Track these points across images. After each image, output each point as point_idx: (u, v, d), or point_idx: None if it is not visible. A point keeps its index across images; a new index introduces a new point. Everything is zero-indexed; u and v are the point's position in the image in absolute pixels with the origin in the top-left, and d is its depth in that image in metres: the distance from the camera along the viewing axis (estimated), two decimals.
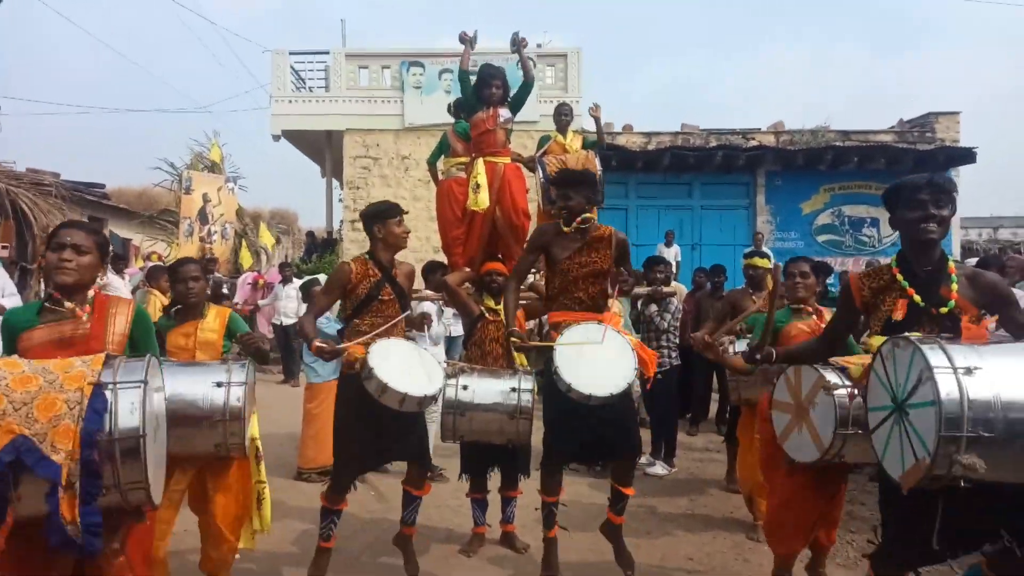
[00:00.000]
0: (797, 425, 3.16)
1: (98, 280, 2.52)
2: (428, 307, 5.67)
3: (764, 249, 11.59)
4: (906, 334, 2.21)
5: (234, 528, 3.33)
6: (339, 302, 3.67)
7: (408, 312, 3.75)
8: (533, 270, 6.91)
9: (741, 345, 4.51)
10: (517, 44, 4.87)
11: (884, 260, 12.93)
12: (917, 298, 2.35)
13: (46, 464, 1.85)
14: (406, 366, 3.30)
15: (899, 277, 2.41)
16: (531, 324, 4.61)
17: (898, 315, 2.36)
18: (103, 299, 2.47)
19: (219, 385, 3.03)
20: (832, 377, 2.97)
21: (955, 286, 2.35)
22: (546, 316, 3.70)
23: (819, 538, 3.46)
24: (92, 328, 2.37)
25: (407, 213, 3.66)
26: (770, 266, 5.48)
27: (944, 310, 2.33)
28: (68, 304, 2.37)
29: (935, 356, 2.01)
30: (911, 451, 2.07)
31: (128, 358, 2.18)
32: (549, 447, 3.51)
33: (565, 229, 3.50)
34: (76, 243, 2.37)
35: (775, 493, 3.50)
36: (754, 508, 4.57)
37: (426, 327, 3.89)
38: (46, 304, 2.41)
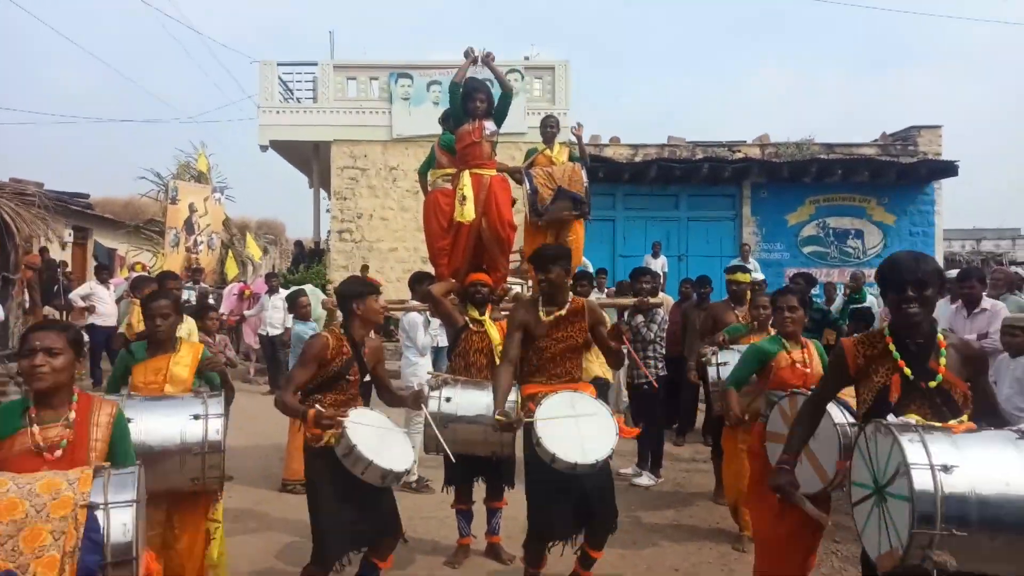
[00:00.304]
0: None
1: (76, 379, 2.47)
2: (415, 317, 5.67)
3: (751, 261, 11.71)
4: (890, 420, 2.23)
5: (199, 571, 3.27)
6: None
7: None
8: (521, 280, 6.95)
9: (724, 356, 4.52)
10: (485, 60, 4.90)
11: (868, 271, 12.99)
12: (907, 371, 2.36)
13: None
14: (379, 438, 3.17)
15: (892, 348, 2.42)
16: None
17: (894, 396, 2.37)
18: (86, 402, 2.41)
19: (196, 418, 2.99)
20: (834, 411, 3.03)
21: (944, 360, 2.36)
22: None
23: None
24: (76, 436, 2.31)
25: (379, 286, 3.61)
26: (751, 280, 5.53)
27: (933, 384, 2.35)
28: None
29: (913, 451, 2.03)
30: (887, 537, 2.11)
31: (115, 471, 2.14)
32: (532, 529, 3.49)
33: (548, 316, 3.49)
34: (47, 346, 2.29)
35: (766, 544, 3.47)
36: (739, 518, 4.58)
37: (423, 405, 3.63)
38: (30, 407, 2.34)
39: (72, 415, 2.34)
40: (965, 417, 2.31)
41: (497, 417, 3.26)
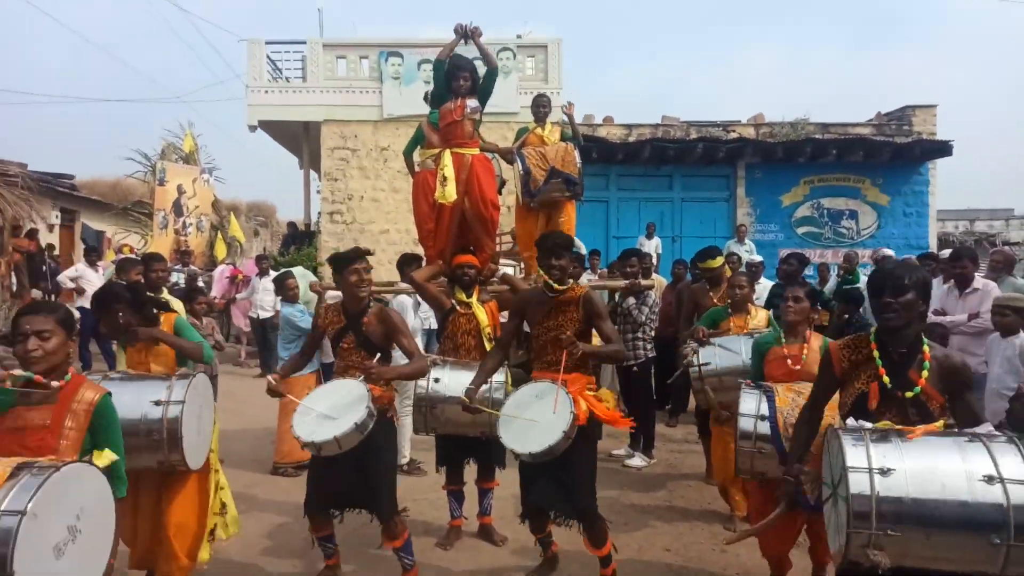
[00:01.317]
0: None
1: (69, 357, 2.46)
2: (404, 300, 5.62)
3: (747, 242, 11.69)
4: (844, 425, 2.37)
5: (190, 549, 3.25)
6: None
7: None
8: (514, 262, 6.89)
9: (705, 356, 4.41)
10: (468, 34, 4.73)
11: (863, 252, 12.93)
12: (886, 379, 2.41)
13: None
14: (331, 409, 3.20)
15: (875, 355, 2.46)
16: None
17: (872, 403, 2.42)
18: (73, 386, 2.39)
19: (157, 404, 2.99)
20: (749, 403, 3.31)
21: (925, 373, 2.40)
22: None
23: (819, 554, 3.48)
24: (51, 421, 2.30)
25: (371, 253, 3.55)
26: (721, 264, 5.49)
27: (909, 395, 2.38)
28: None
29: (854, 455, 2.16)
30: (836, 536, 2.24)
31: (35, 471, 2.04)
32: (522, 497, 3.55)
33: (552, 293, 3.47)
34: (37, 329, 2.32)
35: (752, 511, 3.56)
36: (729, 499, 4.59)
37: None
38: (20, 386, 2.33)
39: (55, 399, 2.32)
40: (941, 423, 2.35)
41: (462, 396, 3.45)
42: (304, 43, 13.59)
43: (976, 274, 5.31)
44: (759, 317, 4.74)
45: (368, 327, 3.45)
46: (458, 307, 4.20)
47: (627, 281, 5.49)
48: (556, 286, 3.43)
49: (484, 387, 3.63)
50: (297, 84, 13.74)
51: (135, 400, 2.99)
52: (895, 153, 13.08)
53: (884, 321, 2.41)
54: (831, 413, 2.72)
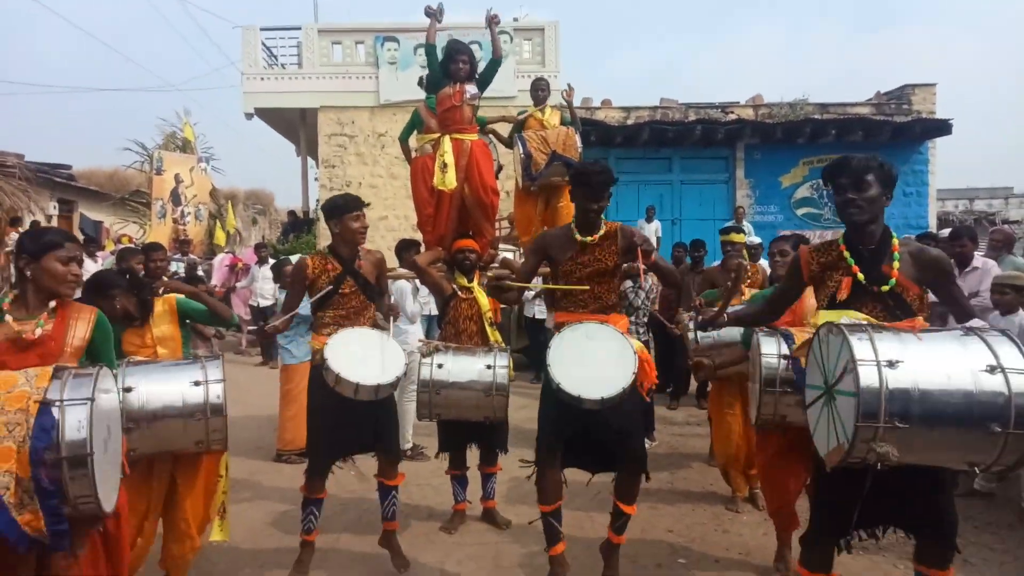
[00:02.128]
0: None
1: None
2: (403, 286, 5.61)
3: (745, 224, 11.66)
4: (842, 321, 2.30)
5: (201, 527, 3.32)
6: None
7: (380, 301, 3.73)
8: (512, 247, 6.88)
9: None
10: (489, 21, 4.78)
11: None
12: (860, 276, 2.41)
13: None
14: (364, 355, 3.29)
15: (846, 254, 2.46)
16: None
17: (843, 294, 2.42)
18: (65, 304, 2.45)
19: (196, 384, 3.04)
20: (770, 345, 3.24)
21: (897, 264, 2.40)
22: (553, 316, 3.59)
23: None
24: (53, 330, 2.35)
25: (368, 205, 3.59)
26: (745, 241, 5.49)
27: (885, 288, 2.39)
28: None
29: (860, 348, 2.11)
30: (835, 434, 2.20)
31: (78, 370, 2.16)
32: (539, 443, 3.22)
33: (585, 238, 3.18)
34: (80, 257, 2.43)
35: (769, 478, 3.56)
36: (731, 480, 4.61)
37: (391, 318, 3.81)
38: (7, 302, 2.37)
39: (52, 309, 2.37)
40: (921, 319, 2.37)
41: (490, 276, 3.34)
42: (299, 29, 13.50)
43: (976, 253, 5.31)
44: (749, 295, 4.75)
45: (364, 270, 3.53)
46: (459, 292, 4.20)
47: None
48: (588, 237, 3.15)
49: (488, 373, 3.66)
50: (293, 70, 13.67)
51: (171, 384, 3.03)
52: (894, 132, 13.03)
53: (848, 216, 2.42)
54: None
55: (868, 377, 2.05)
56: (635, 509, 3.30)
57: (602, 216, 3.23)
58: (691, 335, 4.45)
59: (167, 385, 3.03)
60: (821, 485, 2.53)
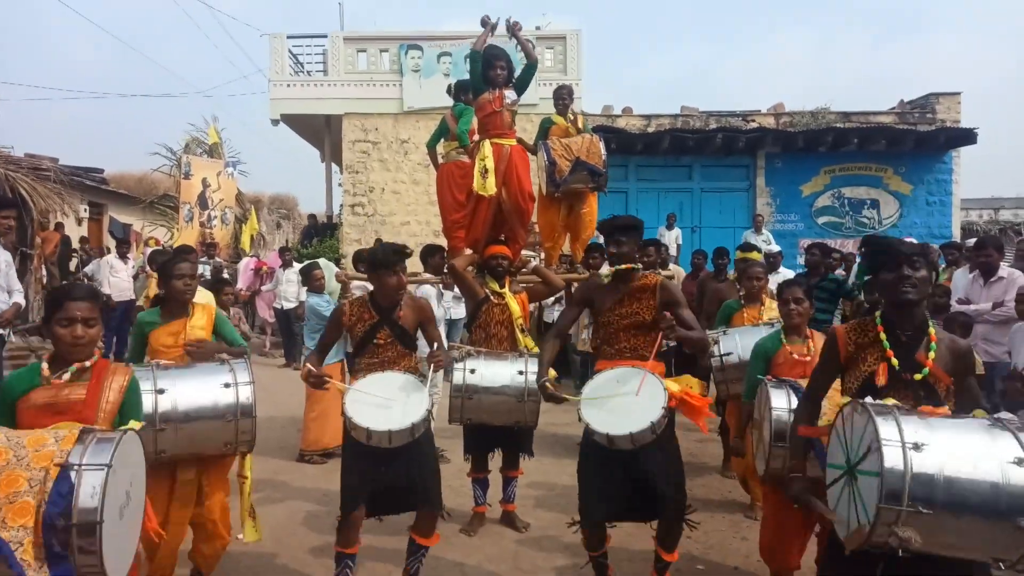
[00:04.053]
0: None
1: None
2: (427, 290, 5.69)
3: (764, 232, 11.62)
4: (866, 400, 2.25)
5: (228, 525, 3.38)
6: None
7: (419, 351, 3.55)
8: (534, 254, 6.94)
9: (726, 346, 4.47)
10: (511, 28, 4.85)
11: None
12: (895, 361, 2.36)
13: None
14: (386, 400, 3.15)
15: (883, 336, 2.40)
16: (532, 307, 4.60)
17: (880, 380, 2.36)
18: (102, 365, 2.46)
19: (227, 386, 3.12)
20: (780, 399, 3.22)
21: (932, 354, 2.35)
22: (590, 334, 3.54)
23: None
24: (87, 396, 2.36)
25: (410, 254, 3.46)
26: (761, 258, 5.49)
27: (918, 377, 2.34)
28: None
29: (886, 427, 2.05)
30: (855, 515, 2.13)
31: (102, 434, 2.16)
32: (582, 508, 3.27)
33: (607, 280, 3.38)
34: (85, 317, 2.37)
35: (772, 521, 3.51)
36: (750, 489, 4.62)
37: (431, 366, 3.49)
38: (46, 366, 2.40)
39: (89, 376, 2.40)
40: (946, 408, 2.32)
41: (541, 388, 3.28)
42: (325, 37, 13.70)
43: (1001, 263, 5.29)
44: (774, 308, 4.76)
45: (403, 319, 3.38)
46: (491, 297, 4.24)
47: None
48: (606, 271, 3.27)
49: (520, 379, 3.67)
50: (319, 78, 13.87)
51: (201, 387, 3.10)
52: (918, 141, 12.90)
53: (902, 295, 2.34)
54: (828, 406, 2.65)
55: (893, 458, 1.99)
56: (676, 556, 3.32)
57: (636, 264, 3.35)
58: (714, 352, 4.48)
59: (199, 388, 3.09)
60: (832, 566, 2.47)
